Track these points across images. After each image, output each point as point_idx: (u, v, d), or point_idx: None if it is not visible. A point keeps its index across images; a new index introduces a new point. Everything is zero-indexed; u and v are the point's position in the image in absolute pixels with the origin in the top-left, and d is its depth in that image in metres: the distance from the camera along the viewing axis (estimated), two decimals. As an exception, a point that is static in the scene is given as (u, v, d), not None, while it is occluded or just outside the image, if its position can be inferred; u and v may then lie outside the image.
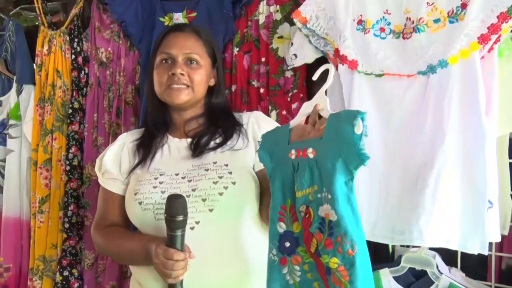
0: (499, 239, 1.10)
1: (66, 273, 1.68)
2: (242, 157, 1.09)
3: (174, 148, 1.14)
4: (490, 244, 1.26)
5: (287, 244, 0.89)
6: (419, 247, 1.26)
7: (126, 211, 1.09)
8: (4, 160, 1.87)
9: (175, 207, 0.90)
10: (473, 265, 1.35)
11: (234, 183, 1.02)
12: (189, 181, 1.04)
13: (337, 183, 0.78)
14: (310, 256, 0.87)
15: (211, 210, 1.00)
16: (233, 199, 1.02)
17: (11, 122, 1.86)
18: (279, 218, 0.90)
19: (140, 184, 1.06)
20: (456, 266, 1.31)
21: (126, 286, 1.61)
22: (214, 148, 1.10)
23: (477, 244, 1.05)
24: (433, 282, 1.23)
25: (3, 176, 1.88)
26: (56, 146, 1.74)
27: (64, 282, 1.67)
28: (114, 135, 1.67)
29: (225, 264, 1.01)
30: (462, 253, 1.30)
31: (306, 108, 0.92)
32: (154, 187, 1.04)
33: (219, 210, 1.01)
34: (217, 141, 1.11)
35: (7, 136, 1.86)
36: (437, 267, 1.24)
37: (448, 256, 1.30)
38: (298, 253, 0.89)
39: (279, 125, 1.18)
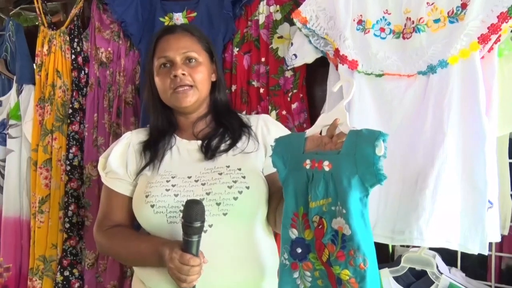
0: (499, 239, 1.11)
1: (66, 273, 1.68)
2: (253, 160, 1.09)
3: (183, 150, 1.13)
4: (490, 244, 1.26)
5: (299, 250, 0.91)
6: (419, 247, 1.26)
7: (135, 214, 1.08)
8: (4, 160, 1.87)
9: (194, 213, 0.90)
10: (473, 265, 1.35)
11: (248, 187, 1.02)
12: (203, 184, 1.03)
13: (351, 199, 0.80)
14: (321, 265, 0.89)
15: (225, 214, 1.00)
16: (247, 203, 1.03)
17: (11, 122, 1.85)
18: (291, 224, 0.91)
19: (151, 186, 1.05)
20: (456, 266, 1.31)
21: (126, 286, 1.61)
22: (226, 150, 1.09)
23: (477, 244, 1.05)
24: (433, 282, 1.23)
25: (3, 176, 1.87)
26: (56, 146, 1.73)
27: (64, 282, 1.67)
28: (115, 135, 1.67)
29: (238, 267, 1.01)
30: (462, 253, 1.30)
31: (324, 120, 0.92)
32: (167, 190, 1.03)
33: (233, 214, 1.01)
34: (227, 142, 1.11)
35: (7, 136, 1.86)
36: (437, 267, 1.24)
37: (448, 256, 1.30)
38: (309, 259, 0.90)
39: (288, 130, 1.20)
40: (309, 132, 0.93)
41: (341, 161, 0.82)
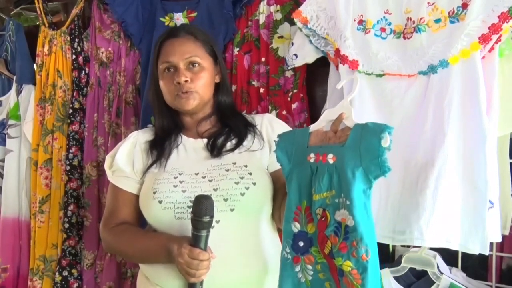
0: (499, 239, 1.10)
1: (65, 273, 1.67)
2: (258, 158, 1.11)
3: (190, 148, 1.15)
4: (491, 244, 1.26)
5: (301, 244, 0.92)
6: (419, 247, 1.26)
7: (142, 210, 1.09)
8: (3, 160, 1.86)
9: (203, 207, 0.91)
10: (474, 265, 1.35)
11: (254, 183, 1.04)
12: (210, 180, 1.05)
13: (355, 190, 0.81)
14: (323, 257, 0.89)
15: (232, 210, 1.02)
16: (254, 199, 1.04)
17: (11, 122, 1.85)
18: (294, 218, 0.92)
19: (159, 183, 1.06)
20: (457, 266, 1.31)
21: (127, 286, 1.60)
22: (232, 150, 1.11)
23: (477, 244, 1.05)
24: (434, 282, 1.23)
25: (2, 177, 1.87)
26: (56, 146, 1.73)
27: (63, 282, 1.67)
28: (114, 135, 1.67)
29: (244, 263, 1.02)
30: (462, 253, 1.30)
31: (329, 115, 0.93)
32: (175, 186, 1.05)
33: (240, 210, 1.02)
34: (233, 141, 1.13)
35: (7, 136, 1.86)
36: (437, 267, 1.24)
37: (449, 256, 1.30)
38: (311, 253, 0.91)
39: (290, 128, 1.20)
40: (313, 127, 0.94)
41: (346, 153, 0.83)
